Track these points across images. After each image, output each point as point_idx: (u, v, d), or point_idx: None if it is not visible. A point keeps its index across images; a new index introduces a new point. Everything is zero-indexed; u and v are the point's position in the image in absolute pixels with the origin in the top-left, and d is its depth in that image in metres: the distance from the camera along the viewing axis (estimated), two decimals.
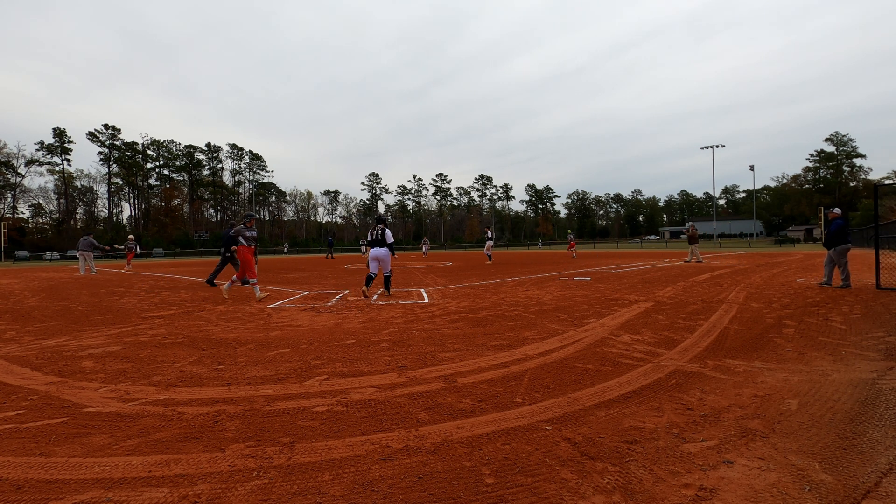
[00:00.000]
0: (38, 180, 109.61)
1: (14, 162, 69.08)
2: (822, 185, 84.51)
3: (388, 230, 8.62)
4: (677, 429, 2.44)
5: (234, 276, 8.88)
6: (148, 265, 30.01)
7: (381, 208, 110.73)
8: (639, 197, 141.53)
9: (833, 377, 3.26)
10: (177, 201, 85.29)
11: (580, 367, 3.65)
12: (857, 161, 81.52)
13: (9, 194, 69.43)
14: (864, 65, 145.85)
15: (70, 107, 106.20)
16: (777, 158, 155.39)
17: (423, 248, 34.06)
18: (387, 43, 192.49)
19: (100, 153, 77.06)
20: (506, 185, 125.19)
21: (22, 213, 71.54)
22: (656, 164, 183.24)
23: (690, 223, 18.45)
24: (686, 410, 2.70)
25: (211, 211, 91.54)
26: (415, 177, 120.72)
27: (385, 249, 8.57)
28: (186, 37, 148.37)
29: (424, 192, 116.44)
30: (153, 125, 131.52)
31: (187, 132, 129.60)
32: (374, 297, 8.45)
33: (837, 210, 8.85)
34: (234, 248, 8.67)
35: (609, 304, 6.99)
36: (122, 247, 21.08)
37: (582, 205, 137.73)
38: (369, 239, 8.75)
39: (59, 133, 72.46)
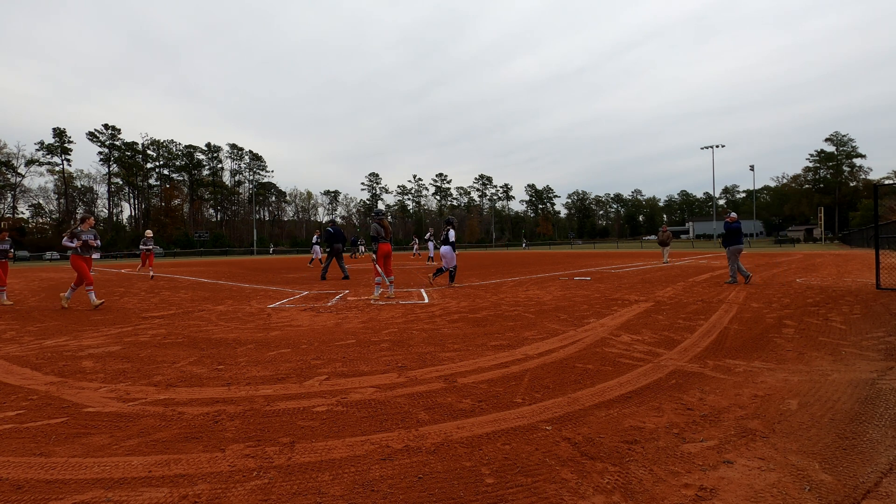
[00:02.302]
0: (38, 180, 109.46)
1: (14, 162, 69.13)
2: (822, 185, 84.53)
3: (452, 230, 10.23)
4: (677, 429, 2.44)
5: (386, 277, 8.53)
6: None
7: (381, 208, 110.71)
8: (639, 197, 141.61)
9: (833, 377, 3.26)
10: (177, 201, 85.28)
11: (580, 367, 3.65)
12: (857, 161, 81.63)
13: (9, 194, 69.45)
14: (864, 65, 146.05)
15: (71, 107, 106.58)
16: (777, 158, 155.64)
17: (415, 248, 33.39)
18: (388, 44, 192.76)
19: (100, 153, 77.16)
20: (506, 185, 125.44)
21: (22, 213, 71.59)
22: (656, 164, 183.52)
23: (664, 225, 18.74)
24: (686, 410, 2.70)
25: (211, 211, 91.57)
26: (415, 177, 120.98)
27: (448, 247, 10.12)
28: (189, 38, 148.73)
29: (424, 192, 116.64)
30: (154, 125, 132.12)
31: (188, 132, 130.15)
32: (373, 297, 8.45)
33: (734, 214, 9.78)
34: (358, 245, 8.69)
35: (609, 304, 6.99)
36: (146, 247, 16.00)
37: (582, 205, 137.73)
38: (440, 239, 10.42)
39: (59, 133, 72.52)
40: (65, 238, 7.94)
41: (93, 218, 8.30)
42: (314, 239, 21.04)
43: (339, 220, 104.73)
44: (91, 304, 7.87)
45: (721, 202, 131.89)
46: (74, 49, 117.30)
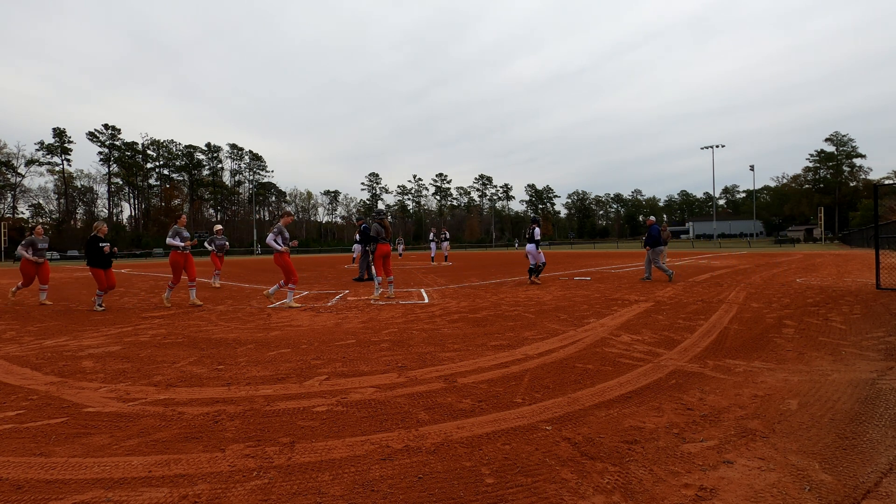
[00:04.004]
0: (38, 180, 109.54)
1: (14, 162, 69.13)
2: (822, 185, 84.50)
3: (537, 229, 10.32)
4: (677, 429, 2.44)
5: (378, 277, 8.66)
6: (148, 265, 30.01)
7: (381, 207, 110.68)
8: (639, 197, 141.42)
9: (833, 377, 3.26)
10: (177, 201, 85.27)
11: (580, 367, 3.65)
12: (857, 161, 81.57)
13: (9, 194, 69.46)
14: (864, 65, 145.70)
15: (71, 107, 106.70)
16: (777, 158, 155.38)
17: (399, 248, 32.80)
18: (390, 44, 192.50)
19: (100, 153, 77.18)
20: (506, 185, 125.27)
21: (22, 213, 71.58)
22: (656, 164, 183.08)
23: (664, 224, 17.99)
24: (686, 410, 2.70)
25: (211, 211, 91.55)
26: (415, 177, 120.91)
27: (533, 245, 10.26)
28: (191, 39, 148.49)
29: (424, 192, 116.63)
30: (154, 125, 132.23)
31: (188, 132, 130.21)
32: (373, 297, 8.45)
33: (653, 217, 11.02)
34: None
35: (609, 304, 6.99)
36: (209, 245, 11.98)
37: (582, 205, 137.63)
38: (526, 237, 10.49)
39: (59, 133, 72.55)
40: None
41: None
42: (356, 237, 20.42)
43: (339, 220, 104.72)
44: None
45: (721, 202, 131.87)
46: (75, 49, 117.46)
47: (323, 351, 4.40)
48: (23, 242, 8.62)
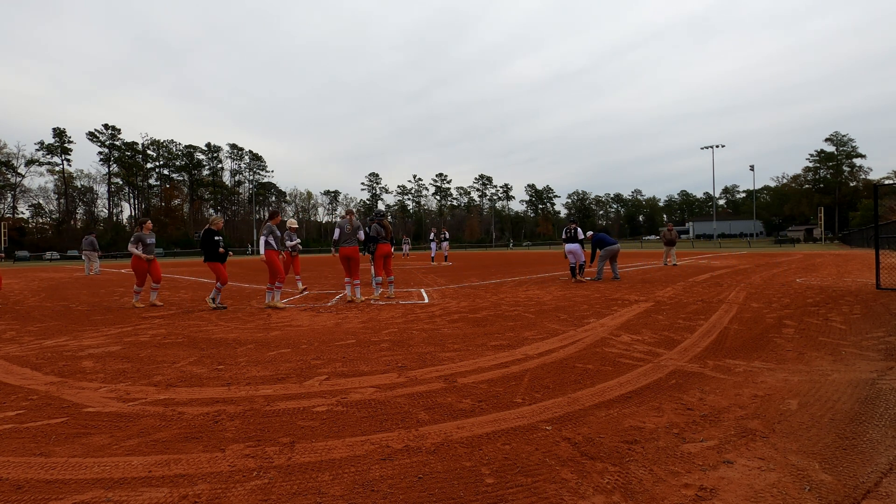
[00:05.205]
0: (38, 180, 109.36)
1: (14, 162, 69.16)
2: (822, 185, 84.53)
3: (579, 229, 10.60)
4: (677, 429, 2.44)
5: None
6: None
7: (381, 207, 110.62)
8: (639, 197, 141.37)
9: (833, 377, 3.26)
10: (177, 201, 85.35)
11: (580, 367, 3.65)
12: (857, 161, 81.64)
13: (9, 194, 69.48)
14: (864, 65, 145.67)
15: (71, 107, 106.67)
16: (777, 158, 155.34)
17: (404, 248, 32.31)
18: (390, 45, 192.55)
19: (100, 153, 77.18)
20: (506, 185, 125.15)
21: (22, 213, 71.63)
22: (656, 164, 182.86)
23: (668, 224, 16.79)
24: (686, 410, 2.70)
25: (211, 211, 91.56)
26: (415, 177, 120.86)
27: (577, 245, 10.48)
28: (192, 40, 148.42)
29: (424, 192, 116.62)
30: (154, 125, 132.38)
31: (188, 132, 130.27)
32: (373, 297, 8.45)
33: (591, 232, 11.35)
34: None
35: (609, 304, 6.99)
36: (289, 246, 9.88)
37: (582, 205, 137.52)
38: (564, 237, 10.73)
39: (59, 133, 72.56)
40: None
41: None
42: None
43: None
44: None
45: (721, 202, 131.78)
46: (76, 50, 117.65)
47: (323, 351, 4.40)
48: (131, 239, 8.27)
